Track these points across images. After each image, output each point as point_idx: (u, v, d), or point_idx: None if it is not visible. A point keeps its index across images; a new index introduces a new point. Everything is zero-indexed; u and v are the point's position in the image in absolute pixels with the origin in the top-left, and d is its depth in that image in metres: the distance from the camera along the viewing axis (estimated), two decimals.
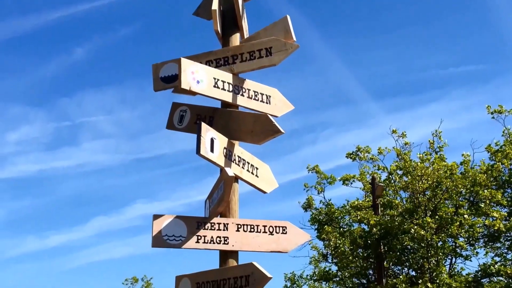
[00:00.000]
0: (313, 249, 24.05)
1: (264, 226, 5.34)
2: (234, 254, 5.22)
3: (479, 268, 20.18)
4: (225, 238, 5.19)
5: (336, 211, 23.35)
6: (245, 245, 5.23)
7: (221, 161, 5.18)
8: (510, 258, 21.09)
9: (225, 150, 5.29)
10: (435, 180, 19.73)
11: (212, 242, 5.16)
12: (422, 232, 18.45)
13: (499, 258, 20.96)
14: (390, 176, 22.26)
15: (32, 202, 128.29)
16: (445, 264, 20.99)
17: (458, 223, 18.61)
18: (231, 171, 5.05)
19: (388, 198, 21.25)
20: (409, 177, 20.37)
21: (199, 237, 5.16)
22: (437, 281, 18.57)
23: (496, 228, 19.00)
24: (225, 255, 5.21)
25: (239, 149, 5.55)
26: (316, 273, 27.75)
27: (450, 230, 18.83)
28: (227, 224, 5.24)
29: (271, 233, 5.34)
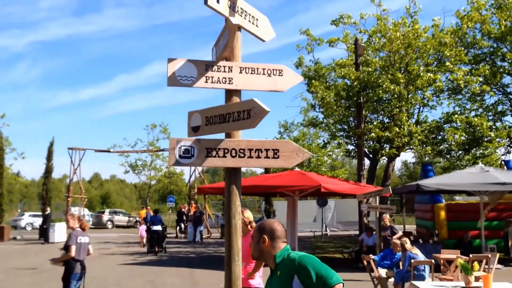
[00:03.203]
0: (303, 100, 24.43)
1: (263, 69, 5.30)
2: (237, 92, 5.21)
3: (442, 116, 20.52)
4: (230, 79, 5.16)
5: (323, 68, 23.39)
6: (247, 85, 5.21)
7: (226, 11, 5.04)
8: (469, 108, 21.40)
9: (229, 2, 5.13)
10: (406, 41, 19.56)
11: (218, 82, 5.14)
12: (392, 87, 18.57)
13: (459, 108, 21.29)
14: (370, 38, 22.01)
15: (64, 61, 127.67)
16: (414, 113, 21.31)
17: (425, 78, 18.66)
18: (235, 20, 4.93)
19: (368, 57, 21.12)
20: (386, 38, 20.14)
21: (208, 78, 5.12)
22: (403, 127, 18.95)
23: (458, 82, 19.11)
24: (230, 94, 5.20)
25: (242, 2, 5.39)
26: (305, 120, 28.38)
27: (417, 84, 18.93)
28: (231, 67, 5.19)
29: (269, 75, 5.30)
